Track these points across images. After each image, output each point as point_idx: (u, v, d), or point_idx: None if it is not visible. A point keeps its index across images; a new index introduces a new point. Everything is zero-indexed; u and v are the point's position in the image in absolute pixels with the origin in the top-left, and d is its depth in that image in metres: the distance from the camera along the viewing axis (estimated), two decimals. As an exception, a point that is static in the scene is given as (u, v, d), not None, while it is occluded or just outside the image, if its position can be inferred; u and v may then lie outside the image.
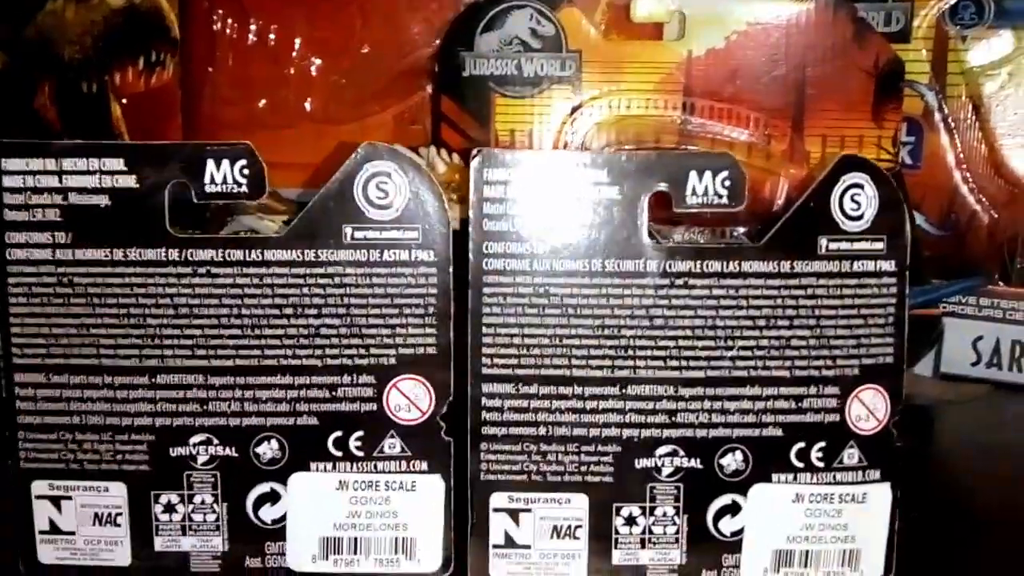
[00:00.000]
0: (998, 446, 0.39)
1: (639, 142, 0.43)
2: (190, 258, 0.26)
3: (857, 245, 0.27)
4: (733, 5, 0.42)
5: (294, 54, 0.50)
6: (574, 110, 0.43)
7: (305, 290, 0.26)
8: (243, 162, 0.26)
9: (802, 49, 0.42)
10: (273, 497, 0.27)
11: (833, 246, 0.27)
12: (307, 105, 0.50)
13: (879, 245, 0.27)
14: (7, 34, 0.43)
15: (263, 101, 0.50)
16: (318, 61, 0.50)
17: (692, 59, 0.42)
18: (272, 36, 0.50)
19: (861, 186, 0.27)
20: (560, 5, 0.42)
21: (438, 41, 0.47)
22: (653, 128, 0.43)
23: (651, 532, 0.27)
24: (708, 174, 0.27)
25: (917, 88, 0.48)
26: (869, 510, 0.28)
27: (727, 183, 0.27)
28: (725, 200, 0.27)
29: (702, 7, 0.42)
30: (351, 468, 0.27)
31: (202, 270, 0.26)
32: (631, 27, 0.43)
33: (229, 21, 0.50)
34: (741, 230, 0.42)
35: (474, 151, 0.27)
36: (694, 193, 0.27)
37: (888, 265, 0.27)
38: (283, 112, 0.50)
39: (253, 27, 0.50)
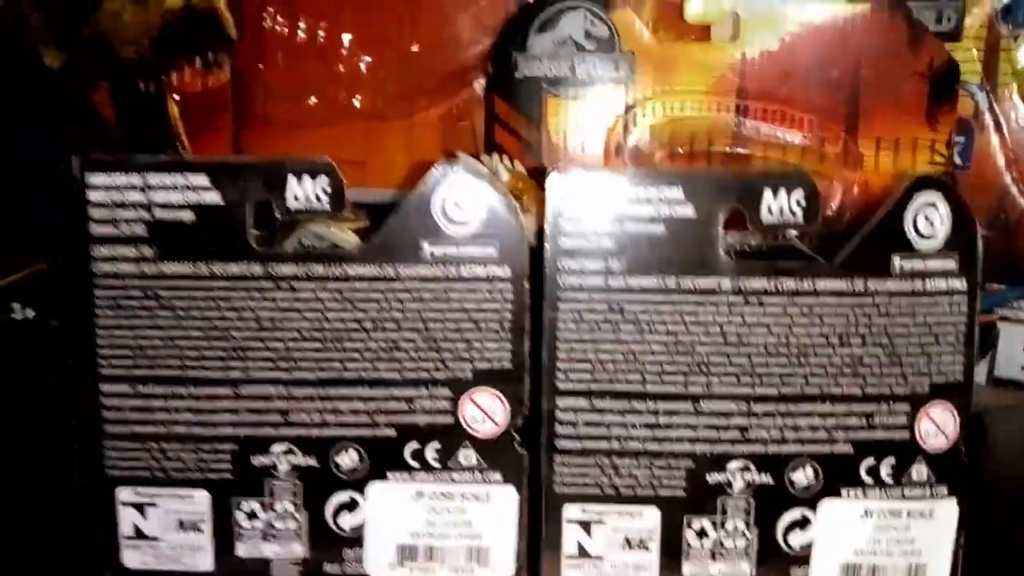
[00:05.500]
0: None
1: (692, 144, 0.43)
2: (273, 273, 0.27)
3: (930, 264, 0.27)
4: (787, 6, 0.42)
5: (343, 51, 0.51)
6: (627, 111, 0.43)
7: (384, 304, 0.27)
8: (324, 178, 0.26)
9: (856, 51, 0.42)
10: (352, 506, 0.28)
11: (907, 265, 0.27)
12: (356, 102, 0.51)
13: (951, 264, 0.27)
14: (65, 33, 0.44)
15: (313, 98, 0.50)
16: (368, 58, 0.50)
17: (746, 61, 0.42)
18: (322, 34, 0.50)
19: (934, 205, 0.27)
20: (613, 6, 0.42)
21: (489, 40, 0.47)
22: (706, 130, 0.43)
23: (721, 545, 0.28)
24: (783, 191, 0.27)
25: (968, 88, 0.48)
26: (936, 526, 0.28)
27: (801, 201, 0.27)
28: (800, 219, 0.27)
29: (756, 8, 0.42)
30: (428, 478, 0.28)
31: (284, 284, 0.27)
32: (679, 25, 0.43)
33: (279, 19, 0.50)
34: (794, 233, 0.42)
35: (550, 169, 0.27)
36: (769, 211, 0.27)
37: (960, 283, 0.28)
38: (332, 109, 0.50)
39: (303, 25, 0.50)
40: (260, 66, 0.50)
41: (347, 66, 0.50)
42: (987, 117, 0.48)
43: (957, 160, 0.49)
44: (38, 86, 0.44)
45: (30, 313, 0.43)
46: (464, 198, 0.27)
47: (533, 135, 0.43)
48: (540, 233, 0.27)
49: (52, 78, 0.44)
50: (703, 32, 0.44)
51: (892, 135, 0.43)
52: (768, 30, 0.42)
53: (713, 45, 0.43)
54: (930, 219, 0.27)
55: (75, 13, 0.44)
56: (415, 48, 0.50)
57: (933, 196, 0.27)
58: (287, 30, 0.50)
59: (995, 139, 0.49)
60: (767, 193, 0.27)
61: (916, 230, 0.27)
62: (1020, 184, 0.49)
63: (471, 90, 0.50)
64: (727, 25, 0.42)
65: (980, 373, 0.42)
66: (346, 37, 0.50)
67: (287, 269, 0.27)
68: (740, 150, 0.43)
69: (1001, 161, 0.49)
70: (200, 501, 0.28)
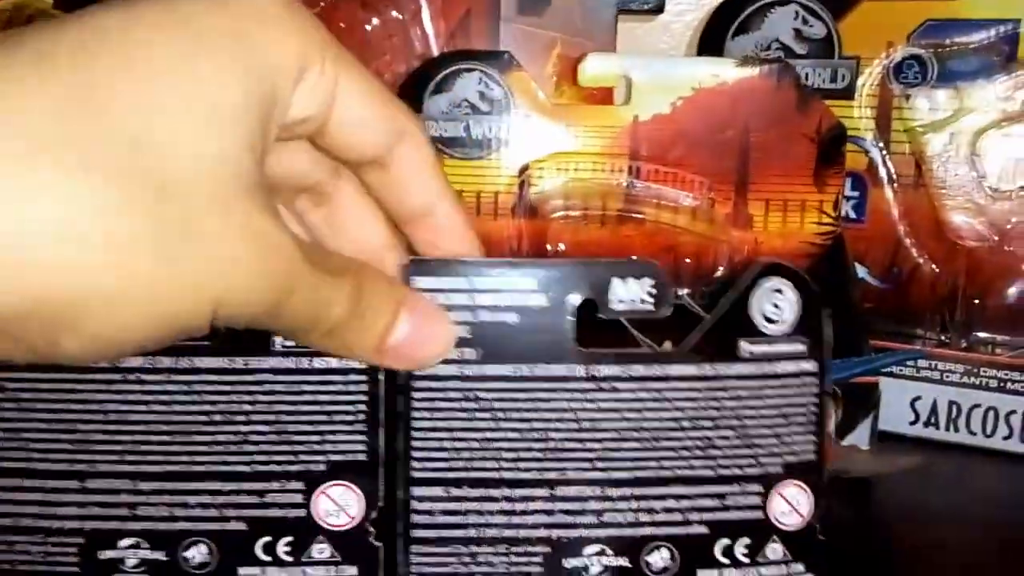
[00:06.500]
0: (935, 512, 0.40)
1: (586, 206, 0.44)
2: (119, 365, 0.26)
3: (778, 347, 0.28)
4: (679, 71, 0.43)
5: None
6: (522, 172, 0.43)
7: (234, 397, 0.27)
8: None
9: (746, 115, 0.42)
10: (203, 600, 0.27)
11: (755, 349, 0.28)
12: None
13: (800, 347, 0.28)
14: None
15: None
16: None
17: (638, 123, 0.43)
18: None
19: (780, 291, 0.28)
20: (509, 69, 0.43)
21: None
22: (599, 192, 0.44)
23: (578, 630, 0.28)
24: (631, 280, 0.27)
25: (861, 144, 0.50)
26: (792, 604, 0.28)
27: (651, 290, 0.27)
28: (651, 306, 0.27)
29: (648, 72, 0.42)
30: (279, 573, 0.27)
31: (132, 377, 0.27)
32: (581, 88, 0.44)
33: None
34: (685, 291, 0.43)
35: (404, 260, 0.27)
36: (620, 300, 0.27)
37: (809, 365, 0.28)
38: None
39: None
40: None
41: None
42: (881, 172, 0.50)
43: (852, 214, 0.50)
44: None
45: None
46: (316, 287, 0.27)
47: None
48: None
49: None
50: (607, 95, 0.45)
51: (781, 197, 0.44)
52: (660, 94, 0.43)
53: (607, 108, 0.43)
54: (777, 304, 0.28)
55: None
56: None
57: (780, 282, 0.28)
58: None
59: (889, 193, 0.50)
60: (615, 282, 0.27)
61: (763, 315, 0.28)
62: (913, 237, 0.50)
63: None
64: (621, 89, 0.43)
65: (863, 434, 0.43)
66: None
67: (134, 361, 0.26)
68: (633, 212, 0.44)
69: (895, 214, 0.50)
70: (47, 598, 0.27)
